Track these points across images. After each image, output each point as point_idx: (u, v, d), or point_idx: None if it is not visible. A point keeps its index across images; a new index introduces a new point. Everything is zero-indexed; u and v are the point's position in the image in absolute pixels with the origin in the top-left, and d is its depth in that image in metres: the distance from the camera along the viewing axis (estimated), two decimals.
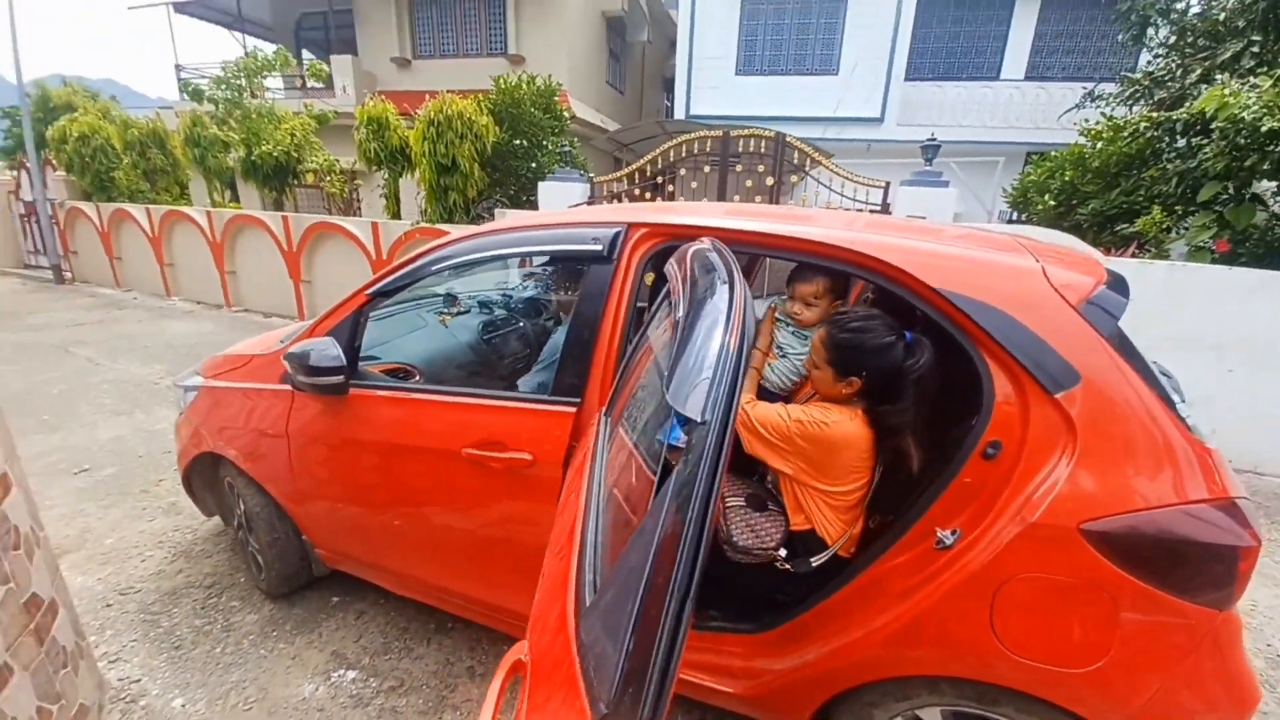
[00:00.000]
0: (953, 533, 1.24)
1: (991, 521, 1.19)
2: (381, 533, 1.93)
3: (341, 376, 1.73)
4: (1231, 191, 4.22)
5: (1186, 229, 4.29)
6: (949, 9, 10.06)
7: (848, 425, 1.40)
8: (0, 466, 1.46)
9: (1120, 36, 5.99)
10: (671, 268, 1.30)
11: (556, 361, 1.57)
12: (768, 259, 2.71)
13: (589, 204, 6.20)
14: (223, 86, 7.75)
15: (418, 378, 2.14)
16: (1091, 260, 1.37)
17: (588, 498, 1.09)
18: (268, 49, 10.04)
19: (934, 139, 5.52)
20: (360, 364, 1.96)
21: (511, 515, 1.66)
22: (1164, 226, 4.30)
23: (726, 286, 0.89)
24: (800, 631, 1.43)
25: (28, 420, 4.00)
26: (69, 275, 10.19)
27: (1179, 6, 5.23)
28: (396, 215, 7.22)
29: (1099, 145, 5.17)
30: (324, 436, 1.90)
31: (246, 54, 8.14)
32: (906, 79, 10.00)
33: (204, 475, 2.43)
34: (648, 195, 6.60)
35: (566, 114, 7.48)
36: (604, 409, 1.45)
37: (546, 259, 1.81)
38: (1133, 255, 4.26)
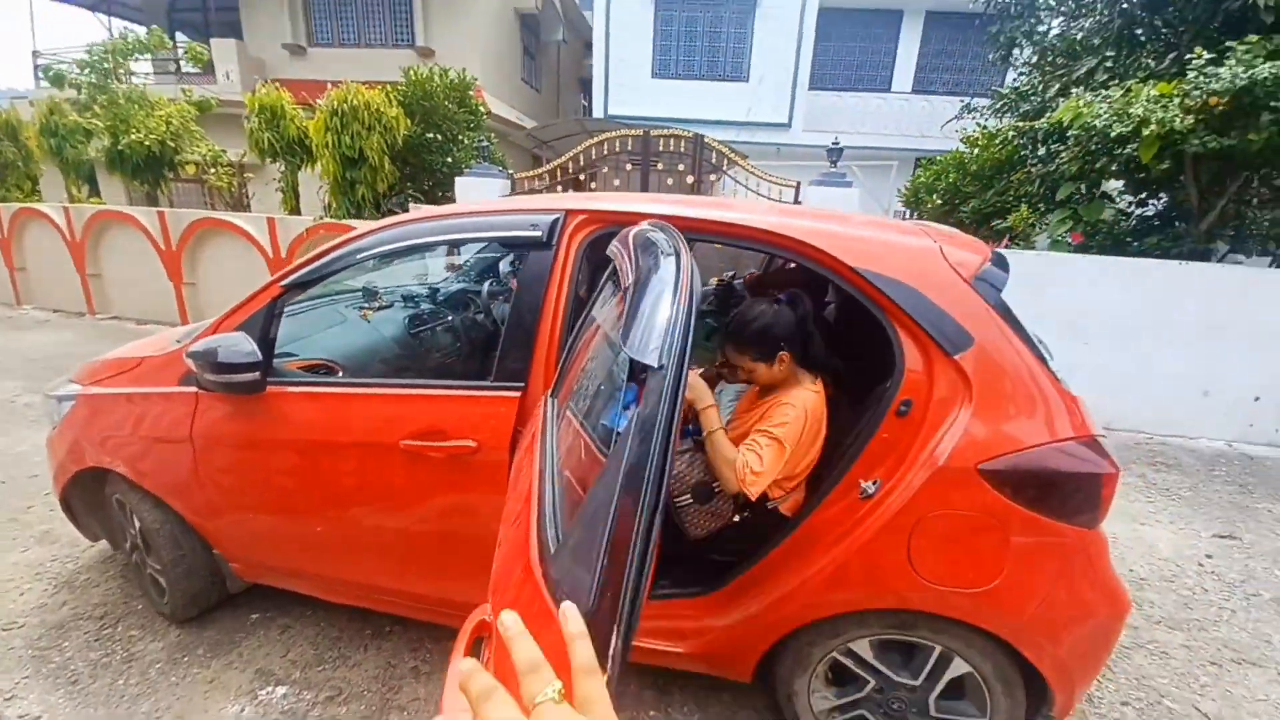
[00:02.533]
0: (874, 483, 1.38)
1: (906, 469, 1.34)
2: (308, 538, 1.82)
3: (257, 373, 1.62)
4: (1085, 191, 4.90)
5: (1048, 224, 4.92)
6: (846, 26, 10.86)
7: (810, 397, 1.53)
8: None
9: (990, 56, 6.74)
10: (616, 248, 1.34)
11: (497, 348, 1.56)
12: (694, 244, 2.84)
13: None
14: (87, 70, 6.81)
15: (340, 374, 2.03)
16: (978, 242, 1.57)
17: (541, 470, 1.10)
18: (139, 32, 8.94)
19: (838, 143, 5.96)
20: (275, 360, 1.84)
21: (455, 505, 1.62)
22: (1030, 222, 4.91)
23: (672, 258, 0.95)
24: (745, 588, 1.52)
25: None
26: None
27: (1041, 30, 5.97)
28: (296, 210, 6.73)
29: (975, 151, 5.82)
30: (237, 439, 1.76)
31: (116, 36, 7.16)
32: (810, 88, 10.68)
33: (86, 495, 2.16)
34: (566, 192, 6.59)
35: (483, 109, 7.30)
36: (549, 391, 1.47)
37: (480, 247, 1.78)
38: (1006, 247, 4.83)
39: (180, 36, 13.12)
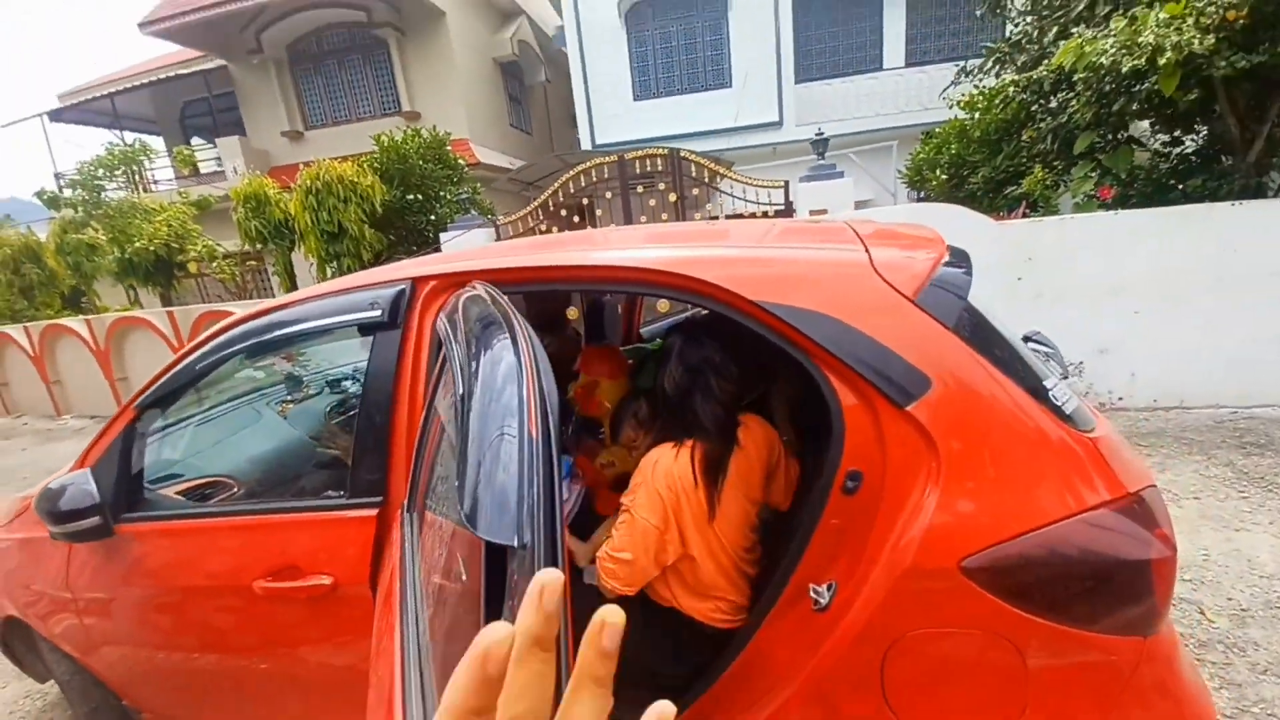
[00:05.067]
0: (828, 587, 1.01)
1: (866, 569, 0.96)
2: (200, 691, 1.57)
3: (98, 517, 1.39)
4: (1109, 138, 4.33)
5: (1070, 182, 4.37)
6: (823, 13, 10.45)
7: (662, 458, 1.20)
8: None
9: (979, 12, 6.24)
10: (443, 326, 1.06)
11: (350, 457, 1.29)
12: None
13: None
14: (76, 188, 7.18)
15: (234, 490, 1.80)
16: (932, 238, 1.19)
17: (403, 636, 0.79)
18: (156, 143, 9.50)
19: (821, 134, 5.57)
20: (154, 488, 1.63)
21: (336, 657, 1.34)
22: (1047, 183, 4.37)
23: (504, 343, 0.69)
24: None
25: None
26: None
27: None
28: (293, 290, 6.78)
29: (976, 116, 5.31)
30: (109, 586, 1.54)
31: (106, 150, 7.59)
32: (797, 82, 10.28)
33: (22, 636, 2.01)
34: (554, 230, 6.42)
35: (463, 162, 7.27)
36: (405, 504, 1.18)
37: (320, 336, 1.52)
38: (1024, 215, 4.30)
39: (198, 140, 13.96)
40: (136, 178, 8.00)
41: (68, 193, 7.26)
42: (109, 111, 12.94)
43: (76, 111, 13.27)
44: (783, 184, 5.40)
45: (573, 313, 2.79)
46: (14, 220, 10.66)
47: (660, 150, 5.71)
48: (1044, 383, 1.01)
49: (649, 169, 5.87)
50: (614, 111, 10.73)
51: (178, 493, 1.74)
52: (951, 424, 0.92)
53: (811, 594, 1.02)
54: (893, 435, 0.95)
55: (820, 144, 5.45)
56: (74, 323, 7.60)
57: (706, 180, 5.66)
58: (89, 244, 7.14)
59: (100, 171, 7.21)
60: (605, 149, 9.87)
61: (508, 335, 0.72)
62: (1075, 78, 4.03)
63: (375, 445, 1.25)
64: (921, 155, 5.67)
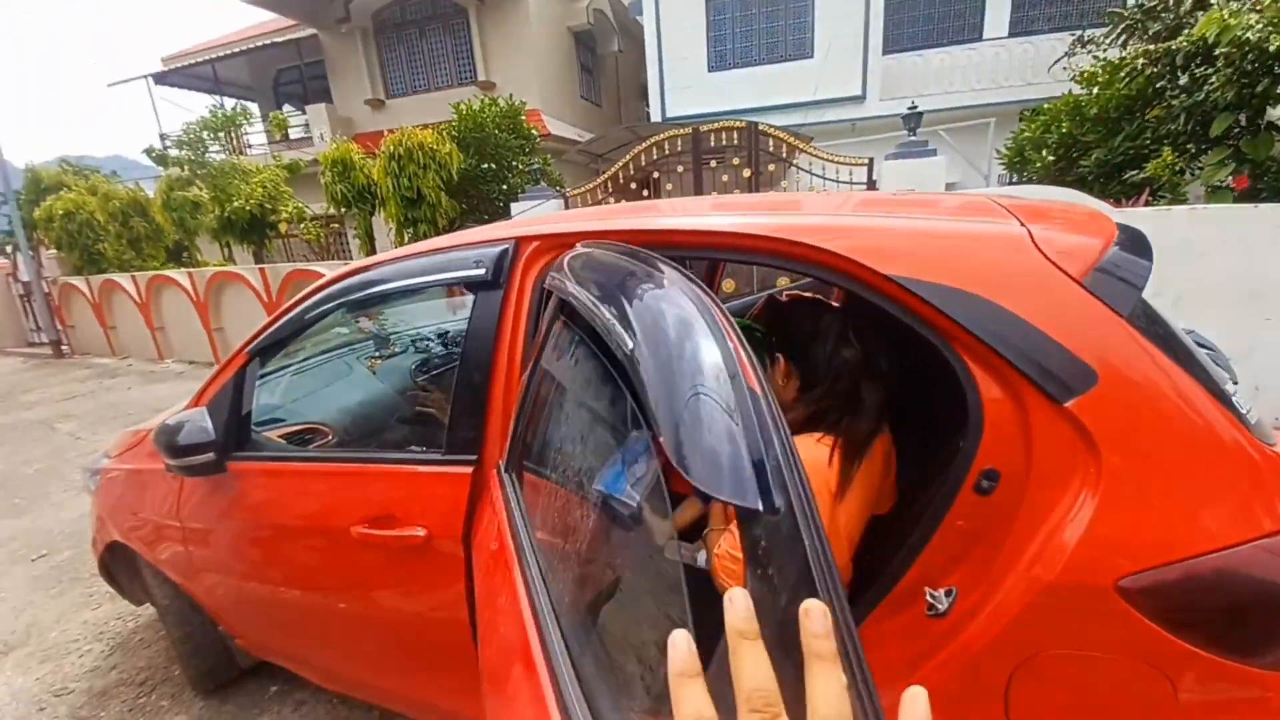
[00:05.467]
0: (947, 593, 0.93)
1: (997, 578, 0.88)
2: (291, 624, 1.68)
3: (212, 453, 1.48)
4: (1245, 122, 3.83)
5: (1201, 169, 3.89)
6: None
7: (811, 447, 1.13)
8: None
9: None
10: (567, 285, 1.02)
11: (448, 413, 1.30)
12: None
13: None
14: (183, 148, 7.70)
15: (329, 438, 1.88)
16: (1098, 215, 1.05)
17: (531, 595, 0.78)
18: (252, 108, 10.11)
19: (914, 107, 5.19)
20: (258, 430, 1.72)
21: (425, 605, 1.38)
22: (1176, 168, 3.91)
23: (686, 299, 0.66)
24: None
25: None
26: (67, 349, 10.25)
27: None
28: (372, 253, 7.07)
29: (1095, 91, 4.80)
30: (216, 519, 1.66)
31: (210, 113, 8.11)
32: (885, 53, 9.66)
33: (124, 561, 2.21)
34: (623, 202, 6.36)
35: (536, 132, 7.29)
36: (503, 464, 1.18)
37: (424, 292, 1.54)
38: (1146, 203, 3.88)
39: (288, 107, 14.70)
40: (235, 141, 8.52)
41: (173, 152, 7.81)
42: (209, 77, 13.80)
43: (179, 75, 14.20)
44: (867, 161, 5.10)
45: None
46: (119, 176, 11.63)
47: (738, 123, 5.50)
48: (1226, 388, 0.88)
49: (723, 142, 5.68)
50: (687, 83, 10.47)
51: (279, 436, 1.84)
52: (1119, 426, 0.81)
53: (928, 597, 0.94)
54: (1043, 433, 0.85)
55: (913, 118, 5.09)
56: (177, 274, 8.27)
57: (784, 156, 5.43)
58: (193, 201, 7.69)
59: (205, 133, 7.72)
60: (676, 121, 9.66)
61: (678, 290, 0.68)
62: (1216, 52, 3.56)
63: (473, 403, 1.25)
64: (1025, 134, 5.19)
